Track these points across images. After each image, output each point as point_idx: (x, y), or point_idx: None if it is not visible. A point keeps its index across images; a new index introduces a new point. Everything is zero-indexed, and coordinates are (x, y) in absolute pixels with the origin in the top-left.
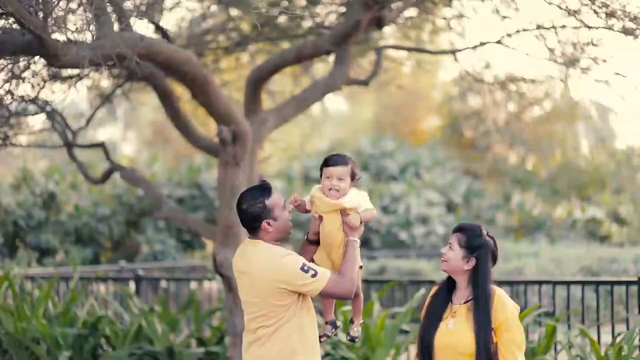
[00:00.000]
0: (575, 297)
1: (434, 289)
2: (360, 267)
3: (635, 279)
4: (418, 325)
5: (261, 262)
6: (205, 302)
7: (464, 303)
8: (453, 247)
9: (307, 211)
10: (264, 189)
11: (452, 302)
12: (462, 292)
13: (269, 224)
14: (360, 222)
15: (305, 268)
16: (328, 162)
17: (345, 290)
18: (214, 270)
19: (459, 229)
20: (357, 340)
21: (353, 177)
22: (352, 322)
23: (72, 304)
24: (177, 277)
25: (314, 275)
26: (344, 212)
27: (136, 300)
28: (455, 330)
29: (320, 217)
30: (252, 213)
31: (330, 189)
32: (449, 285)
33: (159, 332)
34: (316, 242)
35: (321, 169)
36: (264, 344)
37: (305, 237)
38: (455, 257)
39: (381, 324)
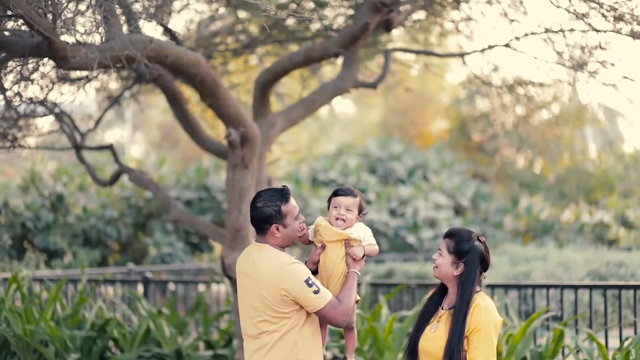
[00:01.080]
0: (583, 301)
1: (430, 292)
2: (357, 300)
3: None
4: None
5: (267, 267)
6: (213, 304)
7: (449, 309)
8: (443, 253)
9: (310, 242)
10: (283, 193)
11: (441, 307)
12: (451, 297)
13: (277, 228)
14: (363, 256)
15: (310, 282)
16: (337, 192)
17: (340, 318)
18: (222, 273)
19: (448, 235)
20: None
21: (360, 210)
22: (344, 358)
23: (80, 306)
24: (185, 279)
25: (316, 292)
26: (348, 243)
27: (144, 303)
28: (435, 336)
29: (323, 247)
30: (265, 213)
31: (337, 219)
32: (443, 290)
33: (167, 334)
34: (313, 272)
35: (329, 200)
36: (267, 353)
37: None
38: (444, 263)
39: (389, 328)
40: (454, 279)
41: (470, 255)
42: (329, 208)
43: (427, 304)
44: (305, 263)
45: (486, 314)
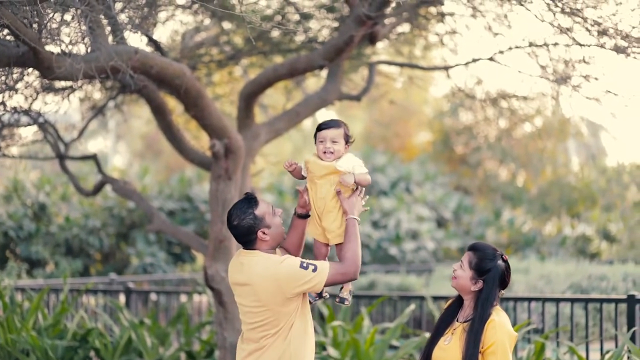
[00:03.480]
0: (564, 314)
1: (448, 302)
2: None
3: (625, 296)
4: (407, 341)
5: (261, 272)
6: (195, 315)
7: (464, 322)
8: (463, 266)
9: (303, 177)
10: (250, 200)
11: (457, 319)
12: (467, 311)
13: (264, 232)
14: (358, 197)
15: (305, 265)
16: (320, 127)
17: (349, 274)
18: (204, 284)
19: (473, 249)
20: (346, 302)
21: (347, 140)
22: (341, 288)
23: (62, 316)
24: (167, 290)
25: (314, 270)
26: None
27: (126, 313)
28: (448, 348)
29: (306, 190)
30: (245, 226)
31: (324, 152)
32: (460, 301)
33: (149, 345)
34: (305, 216)
35: (315, 136)
36: (262, 355)
37: (294, 212)
38: (464, 276)
39: (371, 340)
40: (471, 293)
41: (491, 274)
42: (315, 143)
43: (443, 315)
44: (295, 209)
45: (501, 330)
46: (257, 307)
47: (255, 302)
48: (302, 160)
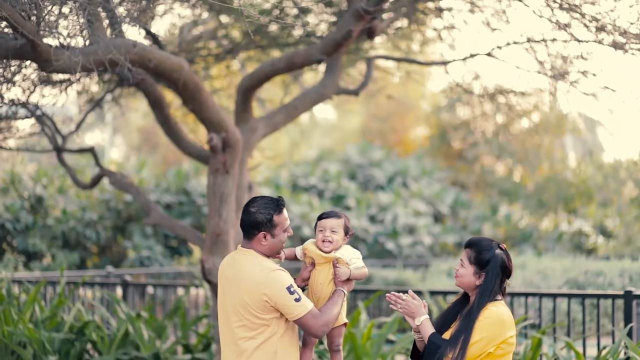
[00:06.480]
0: (561, 309)
1: (454, 299)
2: (345, 324)
3: (622, 292)
4: (404, 335)
5: (250, 271)
6: (192, 308)
7: None
8: (464, 264)
9: (295, 258)
10: (278, 203)
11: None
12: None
13: (265, 237)
14: (350, 279)
15: (292, 290)
16: (321, 216)
17: (320, 329)
18: (201, 277)
19: (469, 245)
20: None
21: (347, 232)
22: None
23: (58, 309)
24: (164, 283)
25: (297, 300)
26: (335, 264)
27: (123, 306)
28: None
29: (313, 264)
30: (257, 219)
31: (323, 241)
32: (465, 298)
33: (146, 338)
34: (302, 289)
35: (315, 225)
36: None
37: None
38: (466, 274)
39: (367, 334)
40: (477, 288)
41: (491, 264)
42: (315, 232)
43: (447, 311)
44: (295, 280)
45: (491, 317)
46: (237, 305)
47: (237, 299)
48: (302, 245)
